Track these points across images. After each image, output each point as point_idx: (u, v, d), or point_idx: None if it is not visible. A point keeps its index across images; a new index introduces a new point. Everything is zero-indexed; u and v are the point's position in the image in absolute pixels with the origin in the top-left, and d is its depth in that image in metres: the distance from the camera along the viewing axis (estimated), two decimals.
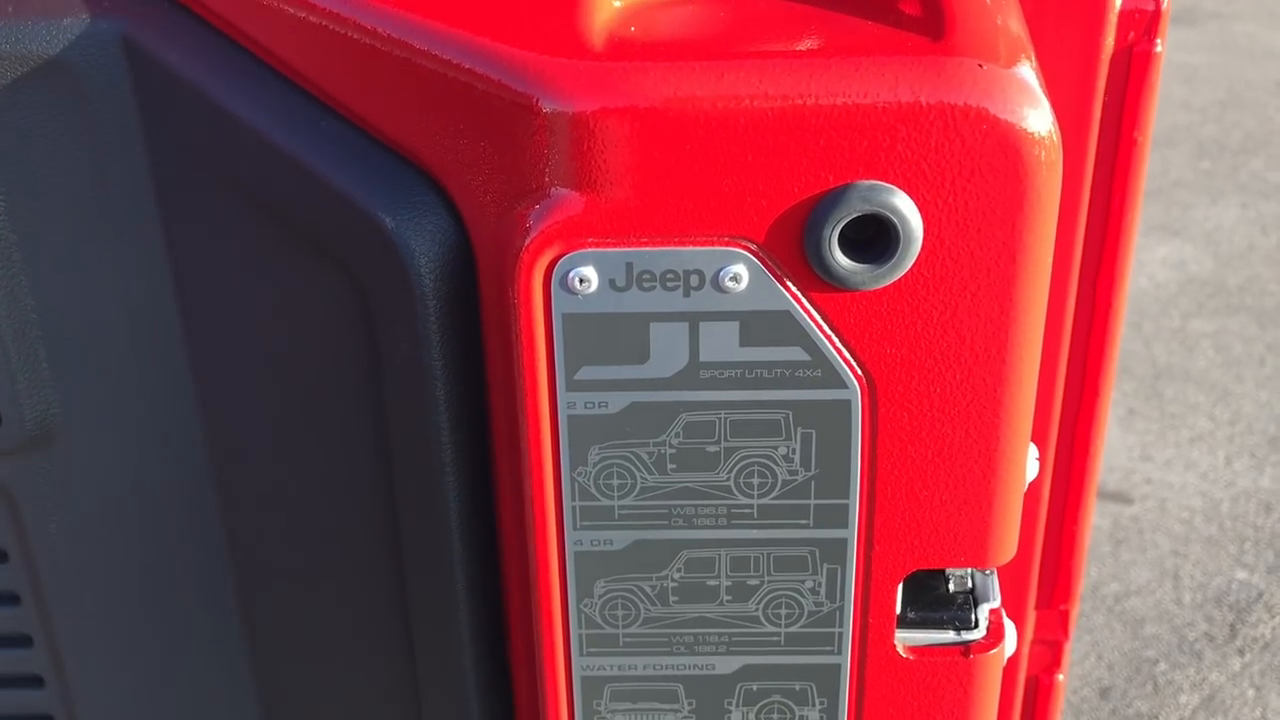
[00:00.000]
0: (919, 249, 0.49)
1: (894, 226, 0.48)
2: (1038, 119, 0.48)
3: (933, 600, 0.60)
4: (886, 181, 0.48)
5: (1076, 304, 0.74)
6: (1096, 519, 2.30)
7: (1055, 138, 0.49)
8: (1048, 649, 0.88)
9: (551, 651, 0.59)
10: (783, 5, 0.53)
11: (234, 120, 0.56)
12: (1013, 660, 0.86)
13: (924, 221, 0.49)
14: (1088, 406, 0.77)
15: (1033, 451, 0.60)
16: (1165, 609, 2.23)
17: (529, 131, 0.49)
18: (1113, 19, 0.67)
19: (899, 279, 0.50)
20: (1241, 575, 2.30)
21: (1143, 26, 0.68)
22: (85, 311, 0.65)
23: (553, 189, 0.50)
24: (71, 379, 0.67)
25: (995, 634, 0.59)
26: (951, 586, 0.60)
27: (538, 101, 0.49)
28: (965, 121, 0.47)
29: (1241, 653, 2.13)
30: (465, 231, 0.54)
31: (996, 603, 0.60)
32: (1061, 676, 0.88)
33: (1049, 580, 0.84)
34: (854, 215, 0.48)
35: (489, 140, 0.51)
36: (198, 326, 0.65)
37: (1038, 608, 0.85)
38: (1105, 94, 0.68)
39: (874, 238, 0.50)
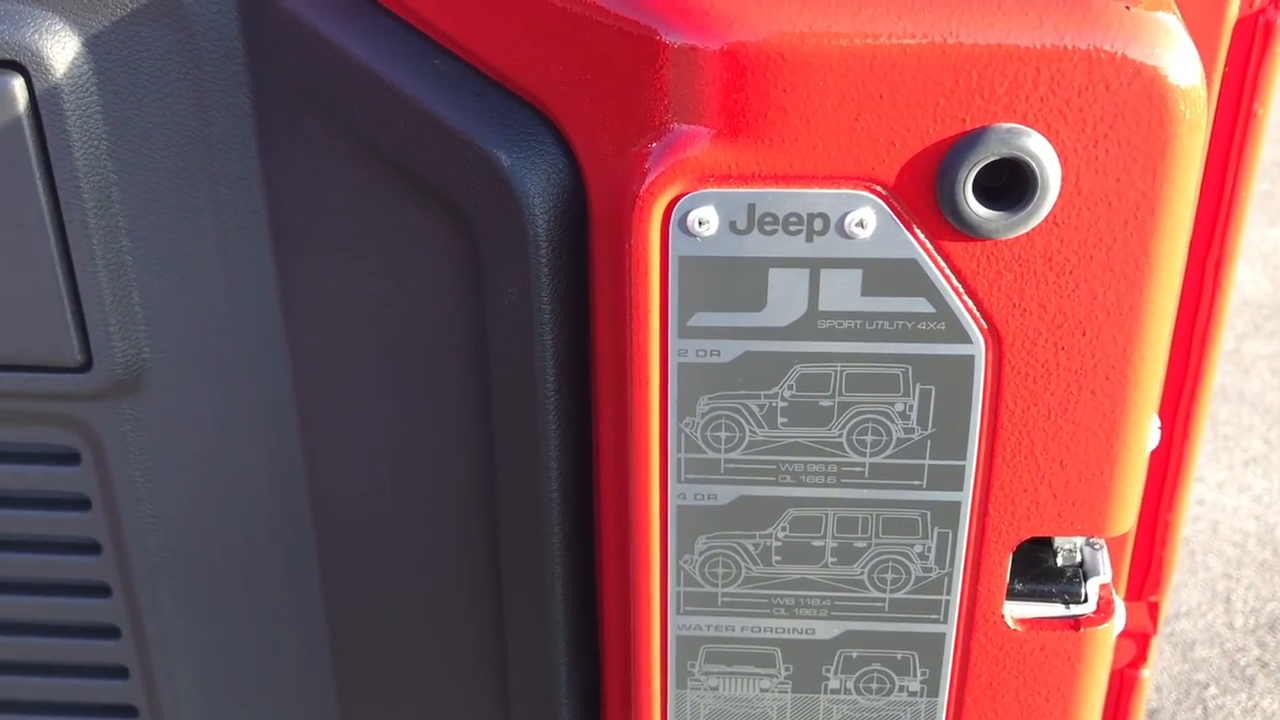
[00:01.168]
0: (1056, 197, 0.47)
1: (1032, 171, 0.47)
2: (1185, 68, 0.46)
3: (1041, 573, 0.58)
4: (1025, 125, 0.46)
5: (1184, 282, 0.72)
6: None
7: (1202, 89, 0.47)
8: (1134, 643, 0.85)
9: (647, 609, 0.57)
10: None
11: (344, 56, 0.55)
12: None
13: (1062, 168, 0.47)
14: (1191, 388, 0.75)
15: (1154, 420, 0.58)
16: (1216, 632, 2.18)
17: (652, 67, 0.48)
18: None
19: (1032, 229, 0.48)
20: None
21: None
22: (180, 255, 0.65)
23: (674, 127, 0.48)
24: (163, 322, 0.66)
25: (1106, 609, 0.57)
26: (1060, 560, 0.58)
27: (662, 36, 0.47)
28: (1110, 67, 0.45)
29: None
30: (580, 172, 0.52)
31: (1107, 577, 0.58)
32: (1146, 673, 0.86)
33: (1140, 570, 0.81)
34: (991, 159, 0.47)
35: (609, 76, 0.50)
36: (293, 273, 0.64)
37: (1126, 599, 0.83)
38: (1226, 63, 0.66)
39: (1007, 186, 0.48)
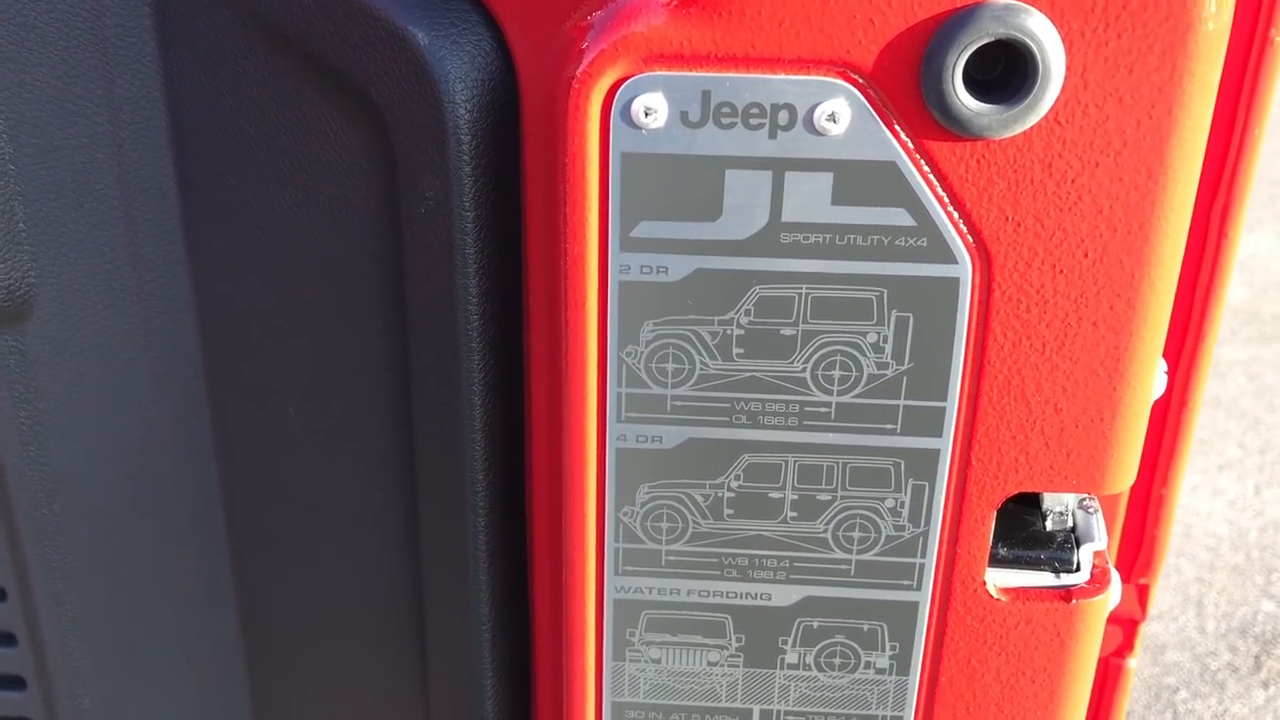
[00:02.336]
0: (1059, 88, 0.41)
1: (1032, 56, 0.40)
2: None
3: (1028, 537, 0.51)
4: (1024, 2, 0.40)
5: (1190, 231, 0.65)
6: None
7: None
8: (1120, 629, 0.79)
9: (581, 568, 0.50)
10: None
11: None
12: None
13: (1066, 55, 0.40)
14: (1193, 348, 0.69)
15: (1160, 364, 0.52)
16: (1188, 636, 2.14)
17: None
18: None
19: (1031, 127, 0.41)
20: (1268, 607, 2.21)
21: None
22: (69, 166, 0.57)
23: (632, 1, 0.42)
24: (51, 244, 0.59)
25: (1100, 579, 0.50)
26: (1050, 523, 0.52)
27: None
28: None
29: (1265, 685, 2.04)
30: (509, 53, 0.45)
31: (1102, 544, 0.51)
32: (1133, 662, 0.79)
33: (1131, 549, 0.75)
34: (984, 41, 0.40)
35: None
36: (197, 186, 0.57)
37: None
38: None
39: (1003, 77, 0.41)
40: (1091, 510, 0.53)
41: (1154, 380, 0.47)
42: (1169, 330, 0.68)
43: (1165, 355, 0.69)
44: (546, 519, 0.52)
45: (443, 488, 0.51)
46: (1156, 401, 0.70)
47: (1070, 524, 0.52)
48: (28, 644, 0.69)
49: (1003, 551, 0.51)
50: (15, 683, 0.70)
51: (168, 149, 0.56)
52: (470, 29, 0.45)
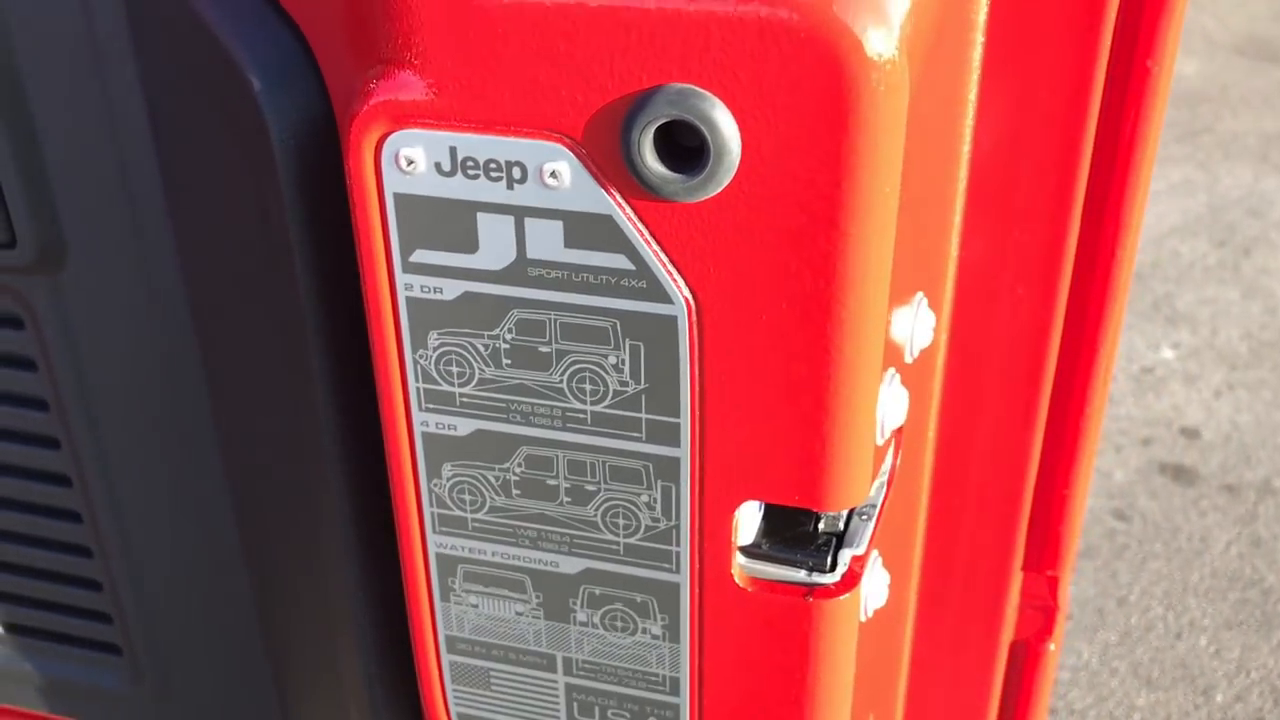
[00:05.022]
0: (736, 164, 0.46)
1: (703, 136, 0.45)
2: (872, 36, 0.44)
3: (794, 536, 0.57)
4: (703, 88, 0.45)
5: (1079, 245, 0.67)
6: None
7: (896, 60, 0.44)
8: (1039, 614, 0.82)
9: (407, 526, 0.60)
10: None
11: None
12: (990, 620, 0.81)
13: (742, 135, 0.46)
14: (1088, 355, 0.71)
15: (929, 319, 0.57)
16: None
17: (369, 2, 0.49)
18: None
19: (720, 193, 0.47)
20: None
21: None
22: (84, 148, 0.70)
23: (389, 65, 0.49)
24: (76, 206, 0.72)
25: (848, 582, 0.56)
26: (822, 526, 0.58)
27: None
28: (780, 32, 0.43)
29: None
30: (330, 102, 0.54)
31: (861, 549, 0.57)
32: (1053, 646, 0.83)
33: (1036, 542, 0.78)
34: (662, 119, 0.46)
35: (348, 3, 0.51)
36: (167, 172, 0.68)
37: (1025, 569, 0.80)
38: (1119, 14, 0.61)
39: (699, 148, 0.47)
40: (866, 517, 0.58)
41: (871, 411, 0.52)
42: (1064, 342, 0.71)
43: (1059, 364, 0.71)
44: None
45: (304, 461, 0.62)
46: (1054, 401, 0.73)
47: (842, 528, 0.58)
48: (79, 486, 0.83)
49: (765, 546, 0.57)
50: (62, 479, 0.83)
51: (151, 144, 0.67)
52: (301, 76, 0.53)
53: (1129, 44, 0.62)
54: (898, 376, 0.54)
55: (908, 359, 0.58)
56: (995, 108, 0.63)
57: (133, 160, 0.67)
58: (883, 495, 0.60)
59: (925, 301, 0.59)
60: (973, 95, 0.62)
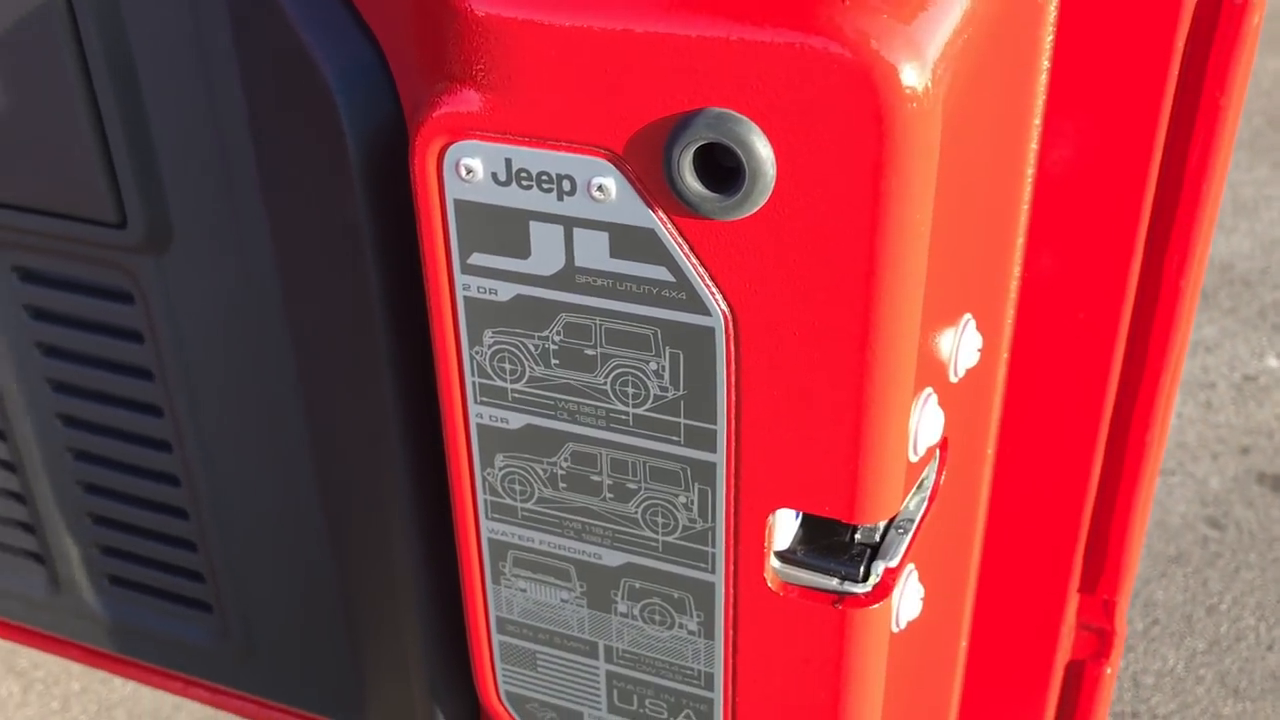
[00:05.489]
0: (771, 186, 0.48)
1: (739, 159, 0.47)
2: (905, 67, 0.45)
3: (830, 545, 0.59)
4: (741, 113, 0.47)
5: (1140, 281, 0.67)
6: None
7: (930, 91, 0.45)
8: (1095, 636, 0.82)
9: (462, 511, 0.63)
10: None
11: None
12: (1045, 640, 0.81)
13: (778, 159, 0.47)
14: (1150, 381, 0.70)
15: (975, 340, 0.58)
16: None
17: (439, 22, 0.52)
18: None
19: (756, 213, 0.49)
20: None
21: None
22: (190, 139, 0.75)
23: (452, 80, 0.52)
24: (183, 192, 0.77)
25: (878, 593, 0.58)
26: (858, 536, 0.59)
27: None
28: (817, 61, 0.45)
29: None
30: (402, 110, 0.57)
31: (894, 562, 0.58)
32: (1109, 670, 0.82)
33: (1094, 565, 0.78)
34: (701, 141, 0.48)
35: (418, 25, 0.54)
36: (261, 165, 0.72)
37: (1081, 591, 0.79)
38: (1186, 45, 0.60)
39: (736, 169, 0.49)
40: (903, 530, 0.59)
41: (904, 427, 0.53)
42: (1127, 364, 0.70)
43: (1121, 387, 0.71)
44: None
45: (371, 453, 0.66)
46: (1114, 425, 0.72)
47: (878, 539, 0.59)
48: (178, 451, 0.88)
49: (800, 552, 0.59)
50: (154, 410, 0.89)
51: (249, 138, 0.72)
52: (378, 83, 0.57)
53: (1198, 75, 0.61)
54: (934, 396, 0.55)
55: (952, 378, 0.59)
56: (1061, 134, 0.63)
57: (233, 152, 0.71)
58: (923, 510, 0.61)
59: (973, 323, 0.60)
60: (1037, 120, 0.62)
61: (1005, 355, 0.70)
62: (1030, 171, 0.64)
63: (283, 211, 0.70)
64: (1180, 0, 0.59)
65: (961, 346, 0.59)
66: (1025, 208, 0.66)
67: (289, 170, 0.66)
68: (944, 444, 0.62)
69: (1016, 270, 0.67)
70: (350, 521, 0.79)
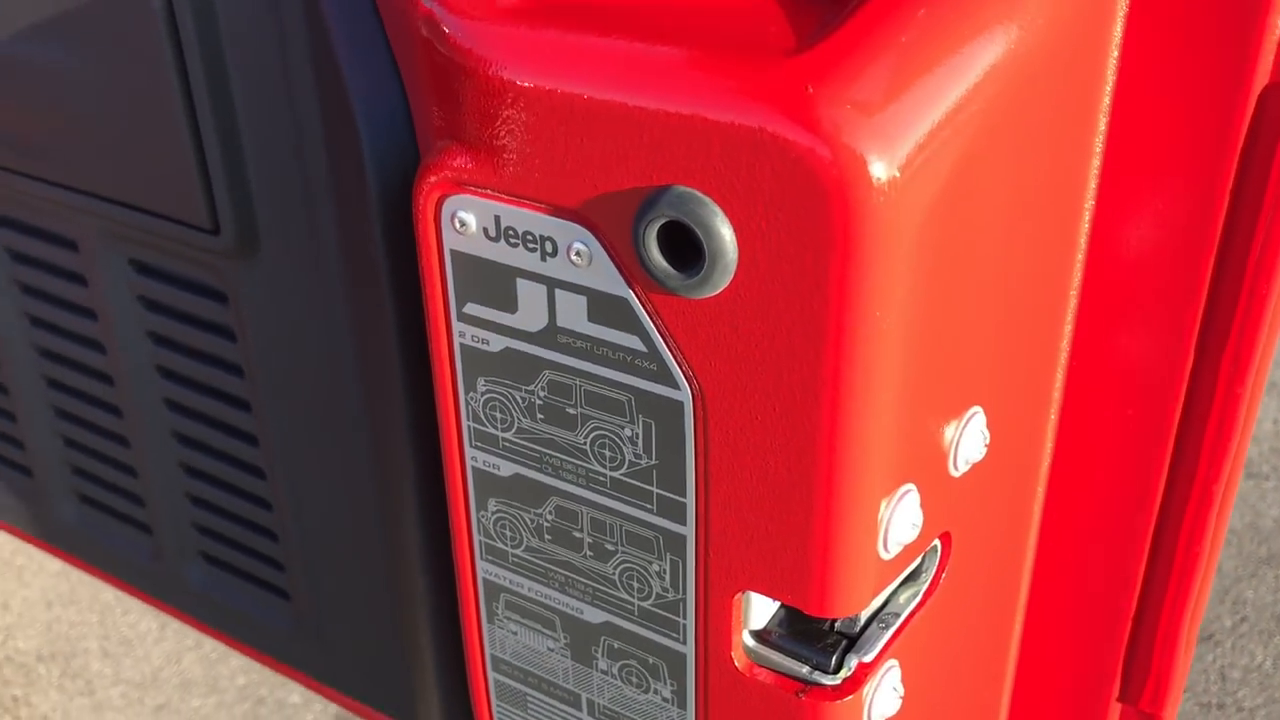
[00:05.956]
0: (732, 270, 0.47)
1: (699, 239, 0.46)
2: (872, 158, 0.43)
3: (809, 630, 0.57)
4: (705, 193, 0.46)
5: (1195, 372, 0.63)
6: None
7: (900, 181, 0.43)
8: None
9: (460, 549, 0.64)
10: None
11: None
12: None
13: (740, 243, 0.46)
14: (1202, 486, 0.65)
15: (982, 435, 0.55)
16: None
17: (440, 77, 0.53)
18: (1271, 44, 0.54)
19: (720, 293, 0.48)
20: None
21: None
22: (275, 154, 0.78)
23: (452, 136, 0.53)
24: (270, 204, 0.81)
25: (848, 687, 0.56)
26: (838, 625, 0.57)
27: (441, 50, 0.52)
28: (775, 147, 0.44)
29: None
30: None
31: (869, 657, 0.56)
32: None
33: (1140, 673, 0.73)
34: (663, 219, 0.47)
35: (429, 79, 0.55)
36: (328, 189, 0.75)
37: (1121, 700, 0.74)
38: (1247, 140, 0.56)
39: (700, 249, 0.48)
40: (885, 625, 0.57)
41: (873, 520, 0.51)
42: (1187, 452, 0.66)
43: (1178, 478, 0.66)
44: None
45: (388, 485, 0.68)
46: (1163, 528, 0.68)
47: (858, 630, 0.57)
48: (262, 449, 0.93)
49: (776, 634, 0.57)
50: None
51: (324, 153, 0.75)
52: (403, 128, 0.59)
53: (1263, 169, 0.57)
54: (914, 492, 0.53)
55: (952, 471, 0.56)
56: (1114, 225, 0.60)
57: (310, 171, 0.75)
58: (913, 605, 0.58)
59: (982, 417, 0.57)
60: (1088, 208, 0.59)
61: (1050, 447, 0.66)
62: (1080, 257, 0.61)
63: (340, 234, 0.73)
64: (1249, 82, 0.55)
65: (963, 440, 0.56)
66: (1074, 294, 0.62)
67: (338, 198, 0.69)
68: (946, 537, 0.59)
69: (1063, 359, 0.64)
70: (386, 546, 0.81)
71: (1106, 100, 0.57)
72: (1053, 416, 0.65)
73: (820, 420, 0.48)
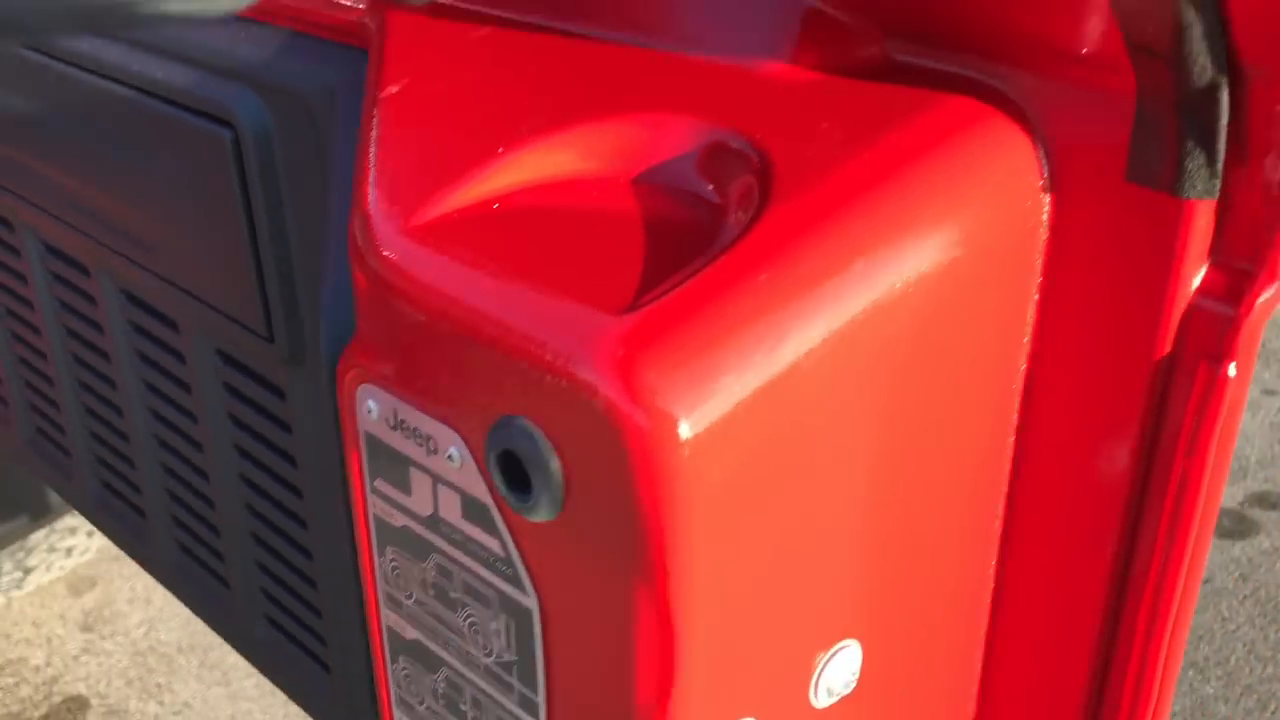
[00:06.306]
0: (560, 502, 0.49)
1: (525, 471, 0.49)
2: (680, 416, 0.45)
3: None
4: (539, 426, 0.49)
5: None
6: None
7: (703, 439, 0.45)
8: None
9: (381, 694, 0.68)
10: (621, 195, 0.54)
11: None
12: None
13: (567, 476, 0.48)
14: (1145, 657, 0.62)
15: (852, 664, 0.55)
16: None
17: (355, 270, 0.57)
18: (1176, 318, 0.53)
19: (555, 520, 0.50)
20: None
21: (1214, 340, 0.52)
22: (314, 274, 0.85)
23: (366, 332, 0.58)
24: (318, 318, 0.88)
25: None
26: None
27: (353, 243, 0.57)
28: (595, 399, 0.46)
29: None
30: None
31: None
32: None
33: None
34: (501, 447, 0.50)
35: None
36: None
37: None
38: (1172, 408, 0.54)
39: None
40: None
41: None
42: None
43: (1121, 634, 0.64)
44: None
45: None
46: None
47: None
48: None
49: None
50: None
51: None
52: None
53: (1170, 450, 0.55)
54: None
55: (814, 703, 0.56)
56: (1043, 449, 0.59)
57: (342, 283, 0.81)
58: None
59: (855, 646, 0.57)
60: (1010, 439, 0.58)
61: (975, 665, 0.65)
62: (1005, 478, 0.60)
63: None
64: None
65: (827, 672, 0.56)
66: (998, 520, 0.61)
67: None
68: None
69: (990, 579, 0.63)
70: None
71: (1026, 337, 0.57)
72: (979, 629, 0.64)
73: (645, 652, 0.49)
